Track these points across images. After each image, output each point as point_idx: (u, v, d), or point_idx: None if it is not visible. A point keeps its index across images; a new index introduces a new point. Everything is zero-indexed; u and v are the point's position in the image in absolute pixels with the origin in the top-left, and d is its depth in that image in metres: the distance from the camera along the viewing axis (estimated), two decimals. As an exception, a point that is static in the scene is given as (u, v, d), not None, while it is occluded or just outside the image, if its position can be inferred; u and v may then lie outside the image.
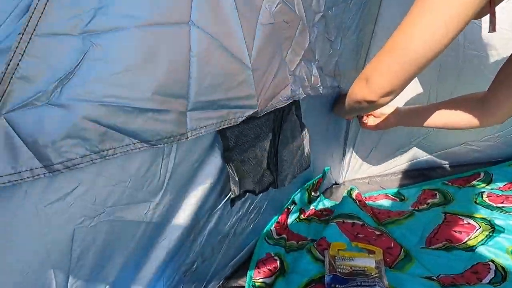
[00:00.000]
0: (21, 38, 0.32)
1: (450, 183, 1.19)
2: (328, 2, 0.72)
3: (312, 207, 1.11)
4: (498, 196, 1.03)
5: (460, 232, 0.89)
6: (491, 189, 1.09)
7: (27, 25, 0.32)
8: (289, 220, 1.02)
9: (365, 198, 1.18)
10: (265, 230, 0.96)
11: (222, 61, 0.47)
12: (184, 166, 0.53)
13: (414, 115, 0.98)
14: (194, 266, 0.66)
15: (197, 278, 0.69)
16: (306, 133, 0.80)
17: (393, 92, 0.67)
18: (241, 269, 0.87)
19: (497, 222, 0.89)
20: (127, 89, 0.38)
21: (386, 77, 0.65)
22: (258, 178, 0.66)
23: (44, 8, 0.33)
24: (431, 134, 1.22)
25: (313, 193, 1.09)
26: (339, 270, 0.80)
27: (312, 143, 0.89)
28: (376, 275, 0.77)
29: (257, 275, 0.85)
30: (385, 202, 1.16)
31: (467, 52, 1.06)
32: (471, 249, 0.84)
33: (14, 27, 0.34)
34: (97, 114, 0.37)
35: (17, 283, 0.38)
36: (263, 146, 0.65)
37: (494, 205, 0.99)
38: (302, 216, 1.06)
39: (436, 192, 1.14)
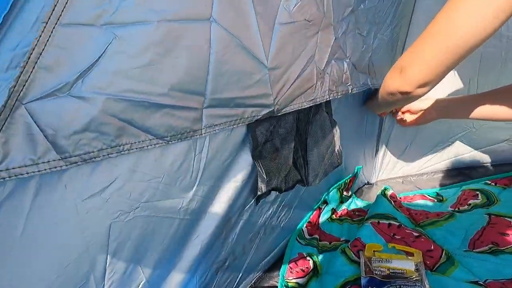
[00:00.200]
0: (44, 27, 0.31)
1: (493, 183, 1.12)
2: (359, -5, 0.69)
3: (344, 207, 1.07)
4: (548, 197, 0.95)
5: (508, 234, 0.83)
6: (540, 189, 1.01)
7: (51, 14, 0.32)
8: (321, 220, 1.00)
9: (400, 198, 1.13)
10: (296, 229, 0.94)
11: (240, 60, 0.46)
12: (216, 162, 0.52)
13: (457, 106, 0.92)
14: (226, 264, 0.65)
15: (228, 276, 0.69)
16: (336, 130, 0.78)
17: (430, 83, 0.62)
18: (273, 269, 0.85)
19: (549, 224, 0.83)
20: (146, 84, 0.38)
21: (423, 66, 0.61)
22: (284, 176, 0.64)
23: None
24: (471, 130, 1.15)
25: (344, 193, 1.06)
26: (376, 272, 0.77)
27: (343, 141, 0.86)
28: (417, 278, 0.73)
29: (289, 275, 0.83)
30: (422, 203, 1.10)
31: (511, 43, 0.99)
32: (521, 253, 0.78)
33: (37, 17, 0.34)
34: (116, 108, 0.37)
35: (58, 276, 0.39)
36: (291, 143, 0.64)
37: (544, 206, 0.92)
38: (334, 216, 1.03)
39: (477, 192, 1.08)
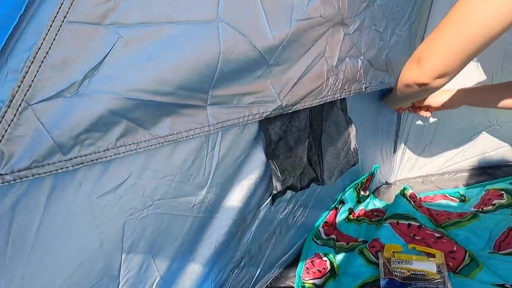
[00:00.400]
0: (51, 25, 0.31)
1: (519, 182, 1.07)
2: (375, -9, 0.68)
3: (361, 207, 1.05)
4: None
5: (536, 235, 0.79)
6: None
7: (58, 12, 0.32)
8: (338, 220, 0.98)
9: (420, 198, 1.10)
10: (312, 229, 0.93)
11: (246, 57, 0.45)
12: (228, 160, 0.52)
13: (484, 92, 0.88)
14: (242, 263, 0.65)
15: (244, 275, 0.68)
16: (352, 128, 0.76)
17: (448, 74, 0.60)
18: (289, 269, 0.84)
19: None
20: (151, 83, 0.38)
21: (441, 57, 0.58)
22: (299, 175, 0.63)
23: None
24: (495, 127, 1.11)
25: (362, 192, 1.04)
26: (396, 273, 0.75)
27: (359, 139, 0.85)
28: (439, 280, 0.71)
29: (306, 276, 0.82)
30: (443, 203, 1.07)
31: (536, 37, 0.95)
32: (551, 255, 0.74)
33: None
34: (122, 108, 0.36)
35: (73, 273, 0.39)
36: (305, 141, 0.63)
37: None
38: (351, 217, 1.01)
39: (502, 192, 1.03)
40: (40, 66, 0.31)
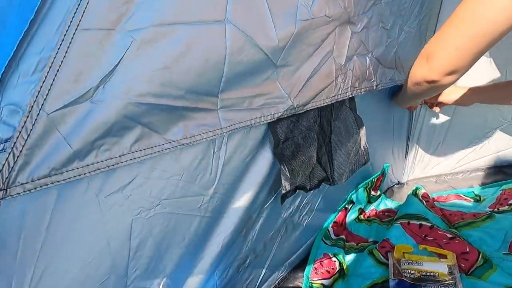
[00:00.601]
0: (65, 34, 0.32)
1: (537, 182, 1.04)
2: (382, -12, 0.67)
3: (372, 207, 1.04)
4: None
5: (553, 237, 0.77)
6: None
7: (72, 21, 0.32)
8: (348, 220, 0.97)
9: (433, 198, 1.08)
10: (321, 229, 0.92)
11: (254, 59, 0.45)
12: (235, 160, 0.52)
13: (497, 89, 0.86)
14: (247, 261, 0.65)
15: (250, 274, 0.68)
16: (362, 126, 0.76)
17: (458, 71, 0.59)
18: (297, 269, 0.84)
19: None
20: (163, 87, 0.38)
21: (451, 53, 0.57)
22: (309, 174, 0.63)
23: (88, 2, 0.33)
24: (510, 124, 1.08)
25: (372, 192, 1.03)
26: (405, 274, 0.74)
27: (369, 138, 0.84)
28: (450, 281, 0.70)
29: (314, 276, 0.81)
30: (457, 203, 1.05)
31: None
32: None
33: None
34: (135, 113, 0.37)
35: (82, 270, 0.40)
36: (313, 140, 0.63)
37: None
38: (362, 217, 1.00)
39: (519, 191, 1.01)
40: (56, 75, 0.32)
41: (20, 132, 0.31)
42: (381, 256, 0.80)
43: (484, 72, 0.99)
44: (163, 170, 0.44)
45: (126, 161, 0.38)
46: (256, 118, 0.49)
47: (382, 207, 1.06)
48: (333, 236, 0.92)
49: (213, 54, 0.41)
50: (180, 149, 0.45)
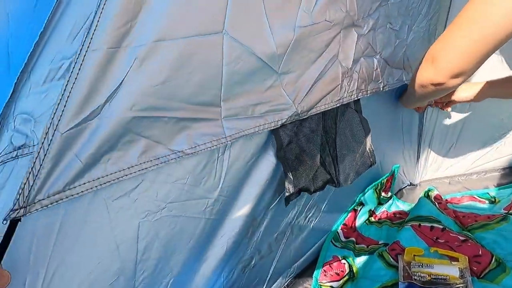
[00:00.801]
0: (76, 58, 0.34)
1: (555, 183, 1.01)
2: (389, -12, 0.67)
3: (383, 209, 1.03)
4: None
5: None
6: None
7: (84, 41, 0.34)
8: (358, 222, 0.97)
9: (447, 200, 1.06)
10: (331, 232, 0.92)
11: (252, 68, 0.46)
12: (239, 163, 0.53)
13: (509, 83, 0.84)
14: (252, 262, 0.66)
15: (256, 275, 0.69)
16: (367, 128, 0.75)
17: (464, 73, 0.58)
18: (306, 272, 0.84)
19: None
20: (165, 100, 0.40)
21: (456, 56, 0.56)
22: (313, 176, 0.63)
23: (97, 24, 0.35)
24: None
25: (383, 194, 1.02)
26: (415, 277, 0.73)
27: (377, 139, 0.83)
28: (461, 285, 0.69)
29: (323, 278, 0.81)
30: (471, 205, 1.03)
31: None
32: None
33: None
34: (139, 126, 0.39)
35: (91, 272, 0.42)
36: (317, 142, 0.63)
37: None
38: (372, 219, 1.00)
39: (536, 193, 0.98)
40: (68, 96, 0.34)
41: (38, 153, 0.34)
42: (391, 259, 0.80)
43: (495, 66, 0.97)
44: (168, 174, 0.46)
45: (134, 172, 0.40)
46: (260, 125, 0.50)
47: (393, 208, 1.05)
48: (342, 238, 0.92)
49: (211, 65, 0.42)
50: (185, 156, 0.46)
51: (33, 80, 0.40)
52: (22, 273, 0.37)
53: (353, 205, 0.96)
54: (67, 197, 0.36)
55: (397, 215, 1.01)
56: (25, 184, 0.34)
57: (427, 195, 1.05)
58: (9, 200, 0.37)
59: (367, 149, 0.73)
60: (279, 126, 0.53)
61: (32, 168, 0.34)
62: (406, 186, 1.18)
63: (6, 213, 0.34)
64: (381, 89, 0.75)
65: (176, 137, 0.42)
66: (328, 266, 0.84)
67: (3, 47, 0.41)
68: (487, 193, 1.08)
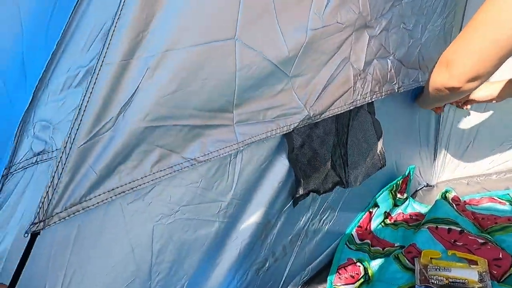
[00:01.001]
0: (94, 69, 0.35)
1: None
2: (402, -12, 0.66)
3: (399, 210, 1.01)
4: None
5: None
6: None
7: (99, 55, 0.35)
8: (373, 224, 0.95)
9: (465, 201, 1.04)
10: (345, 234, 0.91)
11: (264, 72, 0.46)
12: (251, 166, 0.53)
13: None
14: (267, 265, 0.66)
15: (270, 278, 0.69)
16: (379, 130, 0.74)
17: (480, 77, 0.56)
18: (321, 274, 0.84)
19: None
20: (177, 109, 0.40)
21: (472, 59, 0.55)
22: (323, 178, 0.63)
23: (111, 38, 0.35)
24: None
25: (398, 195, 1.00)
26: (433, 281, 0.71)
27: (393, 140, 0.82)
28: (480, 289, 0.67)
29: (338, 281, 0.81)
30: (491, 206, 1.00)
31: None
32: None
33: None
34: (153, 136, 0.39)
35: (108, 273, 0.43)
36: (329, 145, 0.63)
37: None
38: (388, 221, 0.98)
39: (560, 194, 0.95)
40: (84, 111, 0.35)
41: (57, 167, 0.35)
42: (407, 262, 0.78)
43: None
44: (181, 178, 0.46)
45: (148, 182, 0.41)
46: (272, 130, 0.50)
47: (409, 210, 1.03)
48: (357, 241, 0.91)
49: (224, 71, 0.43)
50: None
51: (51, 89, 0.41)
52: (41, 277, 0.38)
53: (368, 207, 0.95)
54: (83, 209, 0.37)
55: (413, 217, 0.99)
56: (44, 198, 0.35)
57: (444, 197, 1.02)
58: (29, 204, 0.39)
59: (378, 151, 0.72)
60: (290, 130, 0.53)
61: (51, 182, 0.35)
62: (422, 187, 1.16)
63: (27, 227, 0.35)
64: (396, 90, 0.74)
65: (189, 145, 0.43)
66: (342, 268, 0.83)
67: (18, 57, 0.42)
68: (508, 194, 1.05)
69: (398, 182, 0.97)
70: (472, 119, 1.07)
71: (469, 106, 0.98)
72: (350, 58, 0.59)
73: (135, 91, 0.37)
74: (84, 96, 0.35)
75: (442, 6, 0.83)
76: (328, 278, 0.82)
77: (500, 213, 0.95)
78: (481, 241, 0.80)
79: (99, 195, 0.38)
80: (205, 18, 0.40)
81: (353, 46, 0.58)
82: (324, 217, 0.77)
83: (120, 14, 0.35)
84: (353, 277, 0.81)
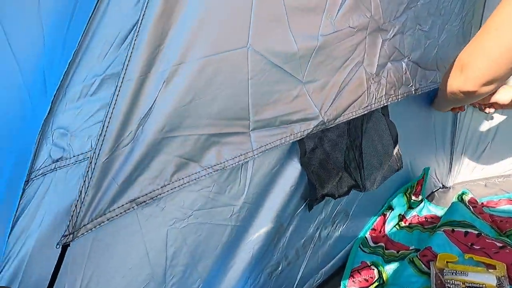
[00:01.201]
0: (116, 86, 0.37)
1: None
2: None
3: (414, 213, 1.00)
4: None
5: None
6: None
7: (121, 72, 0.37)
8: (387, 227, 0.94)
9: (482, 203, 1.01)
10: (359, 237, 0.90)
11: (277, 79, 0.47)
12: (263, 170, 0.54)
13: None
14: (279, 268, 0.66)
15: (283, 281, 0.69)
16: (394, 132, 0.74)
17: (496, 80, 0.55)
18: (334, 278, 0.83)
19: None
20: (193, 119, 0.41)
21: (487, 62, 0.54)
22: (337, 182, 0.63)
23: (130, 56, 0.37)
24: None
25: (413, 197, 0.99)
26: (449, 285, 0.70)
27: (408, 141, 0.81)
28: (498, 294, 0.65)
29: (351, 285, 0.80)
30: (510, 208, 0.97)
31: None
32: None
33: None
34: (171, 146, 0.40)
35: (124, 277, 0.44)
36: (342, 148, 0.62)
37: None
38: (402, 223, 0.97)
39: None
40: (107, 127, 0.37)
41: (84, 181, 0.37)
42: (423, 265, 0.77)
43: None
44: (194, 183, 0.47)
45: (167, 191, 0.42)
46: (286, 137, 0.51)
47: (425, 212, 1.02)
48: (371, 244, 0.90)
49: (237, 79, 0.43)
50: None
51: (68, 97, 0.42)
52: (60, 280, 0.40)
53: (382, 210, 0.94)
54: (108, 219, 0.39)
55: (428, 220, 0.98)
56: (73, 211, 0.37)
57: (461, 199, 1.00)
58: (49, 209, 0.40)
59: (395, 153, 0.71)
60: (304, 136, 0.53)
61: (79, 196, 0.37)
62: (438, 189, 1.14)
63: (59, 239, 0.37)
64: (413, 92, 0.73)
65: (206, 154, 0.44)
66: (356, 272, 0.83)
67: (39, 70, 0.44)
68: (528, 196, 1.02)
69: (413, 184, 0.96)
70: (489, 120, 1.04)
71: (492, 110, 0.94)
72: (363, 62, 0.59)
73: (152, 104, 0.39)
74: (107, 113, 0.37)
75: (460, 6, 0.81)
76: (342, 281, 0.81)
77: (520, 215, 0.92)
78: (499, 244, 0.78)
79: (122, 205, 0.39)
80: (218, 28, 0.40)
81: (366, 50, 0.58)
82: (337, 220, 0.76)
83: (138, 31, 0.36)
84: (367, 280, 0.80)
